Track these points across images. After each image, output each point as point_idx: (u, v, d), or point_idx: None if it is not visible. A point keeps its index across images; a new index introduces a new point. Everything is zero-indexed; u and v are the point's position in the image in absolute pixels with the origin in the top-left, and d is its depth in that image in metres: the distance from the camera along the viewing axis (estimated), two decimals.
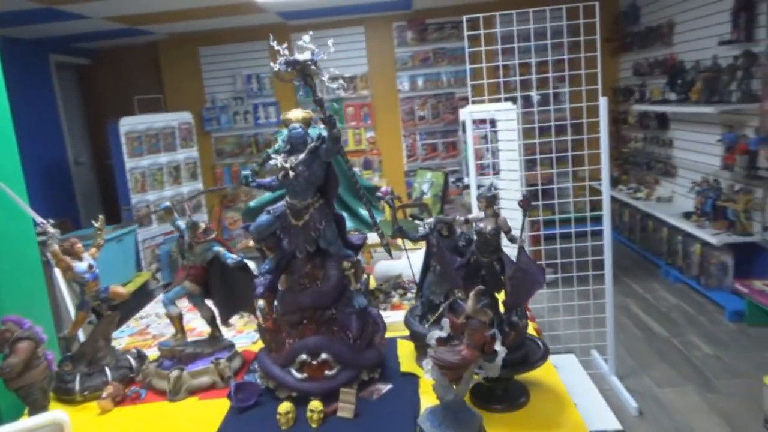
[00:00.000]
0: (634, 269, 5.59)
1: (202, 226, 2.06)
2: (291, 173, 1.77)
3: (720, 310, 4.39)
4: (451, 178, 6.20)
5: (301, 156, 1.78)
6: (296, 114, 1.91)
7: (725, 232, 4.51)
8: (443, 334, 1.47)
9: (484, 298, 1.49)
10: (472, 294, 1.41)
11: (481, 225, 1.61)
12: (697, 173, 5.13)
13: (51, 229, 1.93)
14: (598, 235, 3.46)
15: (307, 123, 1.90)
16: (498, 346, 1.48)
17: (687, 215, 5.09)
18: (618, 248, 3.52)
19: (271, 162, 1.83)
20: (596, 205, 3.62)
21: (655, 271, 5.49)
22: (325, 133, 1.76)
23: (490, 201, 1.61)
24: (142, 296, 5.13)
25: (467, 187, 1.72)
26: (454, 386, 1.44)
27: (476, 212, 1.81)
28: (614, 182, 6.55)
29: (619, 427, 2.45)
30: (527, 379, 1.75)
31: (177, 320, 2.06)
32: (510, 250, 1.68)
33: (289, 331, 1.86)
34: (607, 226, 3.38)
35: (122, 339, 2.49)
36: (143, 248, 5.96)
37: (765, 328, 4.00)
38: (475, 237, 1.69)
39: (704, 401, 3.21)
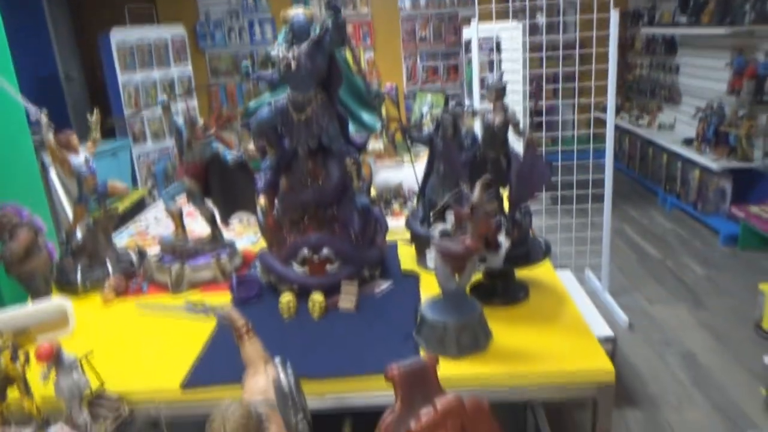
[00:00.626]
0: (632, 196, 5.60)
1: (201, 122, 2.01)
2: (293, 64, 1.71)
3: (714, 234, 4.43)
4: (452, 102, 6.09)
5: (304, 46, 1.71)
6: (296, 11, 1.82)
7: (725, 158, 4.49)
8: (447, 225, 1.46)
9: (490, 190, 1.47)
10: (478, 183, 1.38)
11: (489, 117, 1.57)
12: (702, 99, 5.05)
13: (45, 119, 1.88)
14: (599, 165, 3.42)
15: (308, 20, 1.81)
16: (502, 237, 1.47)
17: (688, 142, 5.05)
18: (616, 176, 3.49)
19: (273, 53, 1.76)
20: (598, 135, 3.56)
21: (653, 198, 5.50)
22: (329, 22, 1.68)
23: (499, 93, 1.56)
24: (138, 212, 5.13)
25: (475, 113, 1.66)
26: (457, 277, 1.44)
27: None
28: (616, 110, 6.45)
29: (611, 334, 2.51)
30: (527, 278, 1.77)
31: (177, 217, 2.04)
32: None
33: (290, 229, 1.86)
34: (609, 146, 3.34)
35: (122, 240, 2.49)
36: (139, 165, 5.91)
37: (757, 252, 4.06)
38: (481, 133, 1.65)
39: (693, 317, 3.29)
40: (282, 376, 0.94)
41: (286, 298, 1.70)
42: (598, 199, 3.45)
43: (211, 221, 2.10)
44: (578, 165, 3.47)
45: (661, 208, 5.25)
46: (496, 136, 1.57)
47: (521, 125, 1.56)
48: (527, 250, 1.67)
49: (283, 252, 1.84)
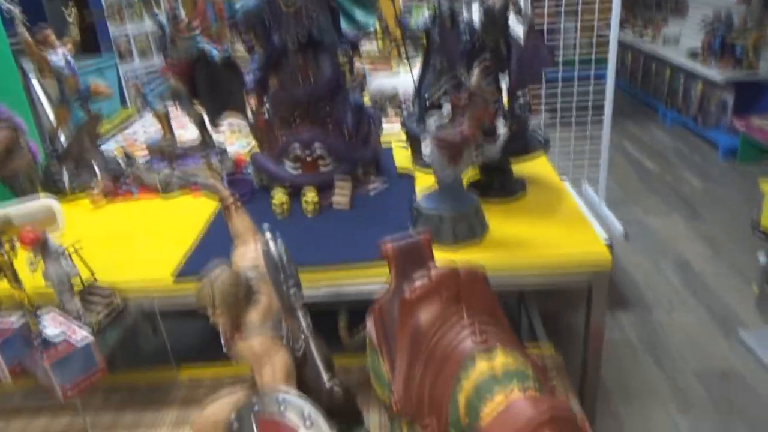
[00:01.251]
0: (632, 113, 5.50)
1: (185, 18, 1.90)
2: None
3: (713, 149, 4.38)
4: None
5: None
6: None
7: (730, 70, 4.36)
8: (444, 114, 1.41)
9: (488, 76, 1.41)
10: (476, 66, 1.31)
11: (490, 1, 1.48)
12: (709, 9, 4.85)
13: (18, 13, 1.77)
14: (601, 83, 3.31)
15: None
16: (500, 125, 1.42)
17: (693, 54, 4.90)
18: (617, 94, 3.38)
19: None
20: (601, 53, 3.41)
21: (653, 114, 5.41)
22: None
23: None
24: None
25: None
26: (453, 167, 1.40)
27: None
28: (620, 24, 6.22)
29: (606, 239, 2.50)
30: (524, 174, 1.73)
31: (164, 118, 1.98)
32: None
33: (281, 128, 1.79)
34: (612, 58, 3.21)
35: (109, 149, 2.42)
36: (126, 84, 5.73)
37: (756, 165, 4.02)
38: (479, 18, 1.56)
39: (689, 227, 3.30)
40: (272, 244, 0.92)
41: (279, 198, 1.66)
42: (598, 113, 3.36)
43: (200, 124, 2.04)
44: (579, 82, 3.36)
45: (662, 124, 5.16)
46: (496, 20, 1.49)
47: (523, 7, 1.47)
48: (525, 143, 1.63)
49: (274, 151, 1.79)
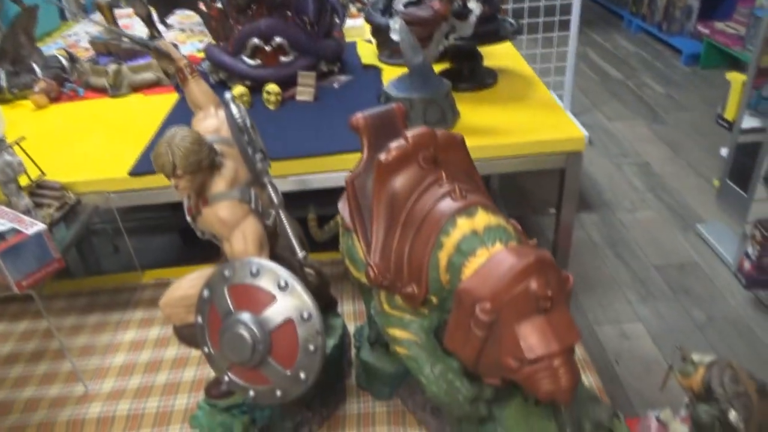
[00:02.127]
0: (597, 21, 5.41)
1: None
2: None
3: (677, 55, 4.37)
4: None
5: None
6: None
7: None
8: None
9: None
10: None
11: None
12: None
13: None
14: None
15: None
16: (472, 2, 1.34)
17: None
18: (583, 1, 3.27)
19: None
20: None
21: (618, 22, 5.33)
22: None
23: None
24: None
25: None
26: (423, 49, 1.33)
27: None
28: None
29: None
30: (495, 65, 1.67)
31: (106, 9, 1.82)
32: None
33: (237, 17, 1.67)
34: None
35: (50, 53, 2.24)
36: None
37: (718, 69, 4.04)
38: None
39: (651, 131, 3.33)
40: (234, 107, 0.85)
41: (239, 89, 1.57)
42: (565, 16, 3.26)
43: (147, 19, 1.89)
44: None
45: (626, 31, 5.10)
46: None
47: None
48: (496, 28, 1.56)
49: (231, 44, 1.67)
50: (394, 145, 0.81)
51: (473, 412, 0.78)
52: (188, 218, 0.89)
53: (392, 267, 0.79)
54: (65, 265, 1.05)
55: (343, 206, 0.99)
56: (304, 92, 1.60)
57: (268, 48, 1.63)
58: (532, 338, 0.64)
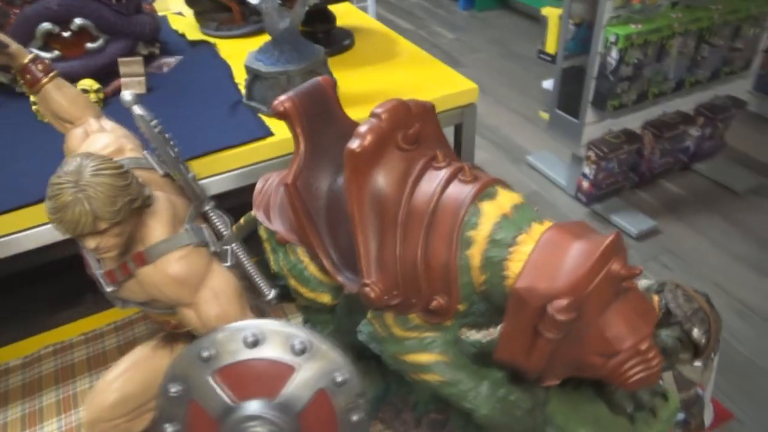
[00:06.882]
0: None
1: None
2: None
3: (454, 2, 4.62)
4: None
5: None
6: None
7: None
8: None
9: None
10: None
11: None
12: None
13: None
14: None
15: None
16: None
17: None
18: None
19: None
20: None
21: None
22: None
23: None
24: None
25: None
26: (289, 10, 1.13)
27: None
28: None
29: None
30: (349, 25, 1.53)
31: None
32: None
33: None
34: None
35: None
36: None
37: (491, 11, 4.39)
38: None
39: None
40: (143, 111, 0.59)
41: (88, 83, 1.19)
42: None
43: None
44: None
45: None
46: None
47: None
48: None
49: (11, 35, 1.25)
50: (364, 127, 0.63)
51: (533, 422, 0.68)
52: (106, 288, 0.61)
53: (400, 280, 0.63)
54: None
55: (273, 216, 0.78)
56: (132, 83, 1.28)
57: (66, 33, 1.26)
58: (619, 327, 0.55)
